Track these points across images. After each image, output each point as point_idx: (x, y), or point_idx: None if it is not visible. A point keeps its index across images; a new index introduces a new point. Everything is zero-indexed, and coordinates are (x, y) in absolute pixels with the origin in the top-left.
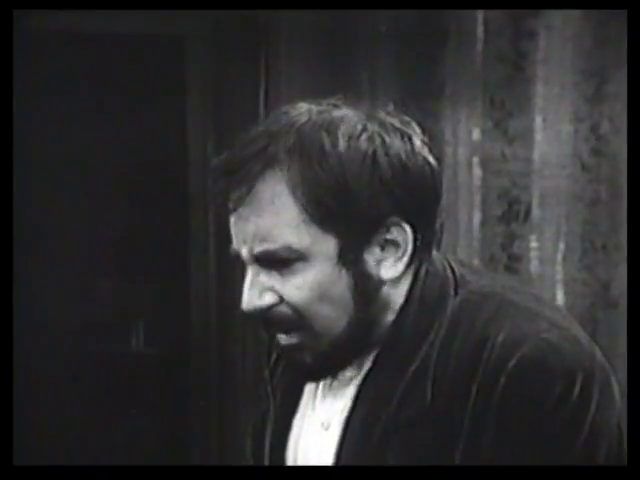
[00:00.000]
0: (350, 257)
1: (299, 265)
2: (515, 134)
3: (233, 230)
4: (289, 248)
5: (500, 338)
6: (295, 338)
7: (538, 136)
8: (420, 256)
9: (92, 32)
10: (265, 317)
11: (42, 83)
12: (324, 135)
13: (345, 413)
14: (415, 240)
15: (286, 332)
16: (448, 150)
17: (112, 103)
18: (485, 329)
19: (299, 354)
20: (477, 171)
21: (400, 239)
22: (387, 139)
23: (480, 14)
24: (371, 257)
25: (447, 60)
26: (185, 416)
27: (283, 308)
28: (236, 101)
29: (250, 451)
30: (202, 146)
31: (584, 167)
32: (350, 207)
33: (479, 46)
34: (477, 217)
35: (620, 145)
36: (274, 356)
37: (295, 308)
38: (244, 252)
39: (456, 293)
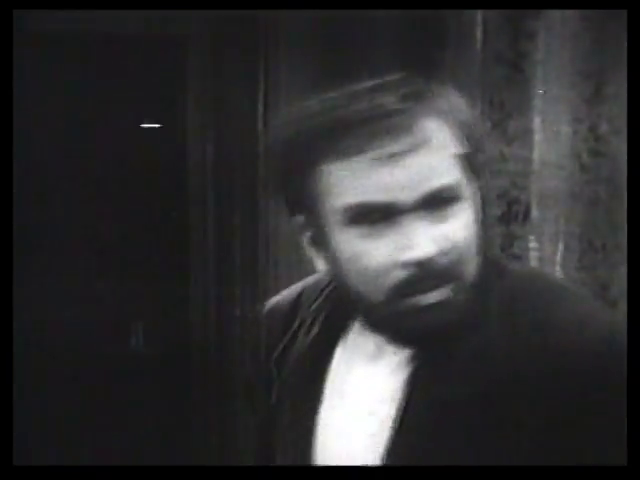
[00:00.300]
0: (481, 203)
1: (456, 207)
2: (514, 135)
3: (376, 179)
4: (451, 188)
5: (564, 318)
6: (444, 293)
7: (537, 137)
8: None
9: (92, 32)
10: (428, 268)
11: (42, 83)
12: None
13: (398, 395)
14: None
15: (439, 286)
16: None
17: (111, 103)
18: (544, 310)
19: (444, 312)
20: None
21: None
22: None
23: (479, 15)
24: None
25: (446, 61)
26: (185, 416)
27: (449, 255)
28: (235, 101)
29: (259, 451)
30: (202, 147)
31: (583, 168)
32: (475, 155)
33: (478, 47)
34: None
35: (619, 146)
36: (280, 347)
37: (459, 252)
38: (403, 198)
39: (500, 276)
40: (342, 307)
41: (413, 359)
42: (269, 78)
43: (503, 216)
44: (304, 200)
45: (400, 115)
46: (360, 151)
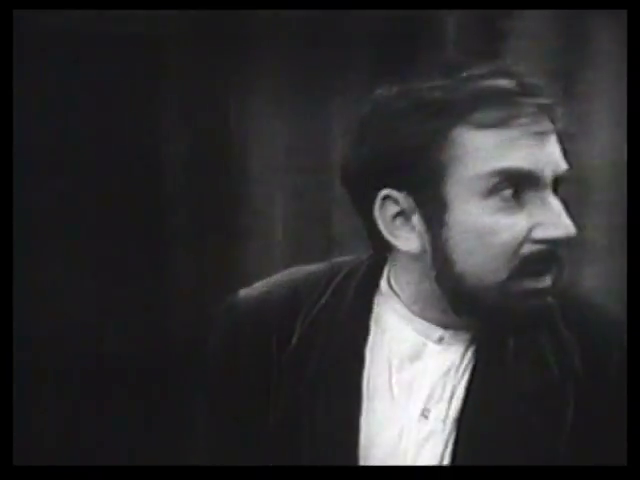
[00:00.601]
0: None
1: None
2: None
3: (528, 151)
4: (566, 175)
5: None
6: (550, 279)
7: None
8: None
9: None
10: (552, 250)
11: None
12: None
13: (459, 393)
14: None
15: (549, 271)
16: None
17: (94, 102)
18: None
19: (545, 299)
20: None
21: None
22: None
23: (451, 15)
24: None
25: (419, 63)
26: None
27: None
28: (209, 102)
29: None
30: (176, 146)
31: None
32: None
33: (450, 47)
34: None
35: (588, 145)
36: (294, 340)
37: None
38: (547, 173)
39: None
40: (367, 299)
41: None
42: (242, 79)
43: None
44: (420, 174)
45: (542, 96)
46: (506, 123)
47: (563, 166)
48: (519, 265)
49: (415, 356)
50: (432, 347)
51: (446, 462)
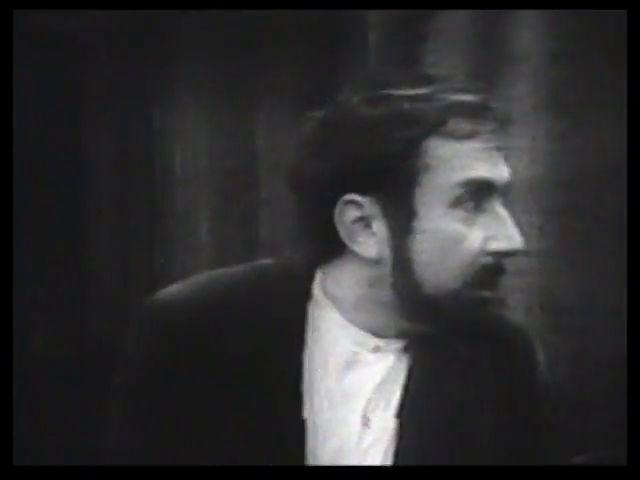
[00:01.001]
0: None
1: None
2: None
3: (492, 164)
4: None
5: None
6: (499, 290)
7: None
8: None
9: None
10: (504, 261)
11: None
12: None
13: (394, 401)
14: None
15: (498, 283)
16: None
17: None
18: None
19: (492, 310)
20: None
21: None
22: None
23: (372, 18)
24: None
25: (341, 65)
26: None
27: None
28: (131, 100)
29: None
30: (98, 147)
31: None
32: None
33: (372, 50)
34: None
35: (505, 147)
36: (227, 344)
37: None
38: (501, 186)
39: None
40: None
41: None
42: (168, 80)
43: None
44: (391, 181)
45: (501, 112)
46: (473, 135)
47: (509, 179)
48: (473, 275)
49: (351, 365)
50: (368, 356)
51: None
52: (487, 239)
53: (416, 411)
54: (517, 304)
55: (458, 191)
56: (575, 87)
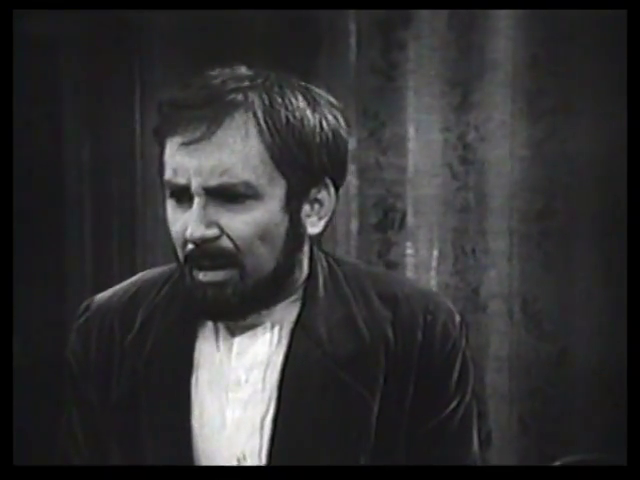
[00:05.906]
0: (294, 203)
1: (251, 202)
2: (389, 143)
3: (179, 162)
4: (247, 184)
5: (404, 294)
6: (222, 275)
7: (411, 145)
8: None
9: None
10: (203, 249)
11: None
12: (289, 90)
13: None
14: (335, 203)
15: (216, 268)
16: None
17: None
18: (382, 288)
19: (223, 292)
20: (353, 180)
21: (325, 199)
22: (325, 110)
23: (352, 25)
24: (304, 209)
25: (320, 71)
26: None
27: (223, 242)
28: (111, 103)
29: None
30: (77, 149)
31: (454, 175)
32: (304, 156)
33: (351, 57)
34: (354, 225)
35: (484, 153)
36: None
37: (236, 243)
38: (195, 184)
39: (339, 265)
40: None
41: None
42: (144, 80)
43: (380, 223)
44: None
45: (209, 107)
46: (174, 133)
47: (222, 178)
48: (186, 259)
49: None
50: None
51: (267, 428)
52: (183, 228)
53: (296, 373)
54: (499, 309)
55: (166, 187)
56: (553, 93)
